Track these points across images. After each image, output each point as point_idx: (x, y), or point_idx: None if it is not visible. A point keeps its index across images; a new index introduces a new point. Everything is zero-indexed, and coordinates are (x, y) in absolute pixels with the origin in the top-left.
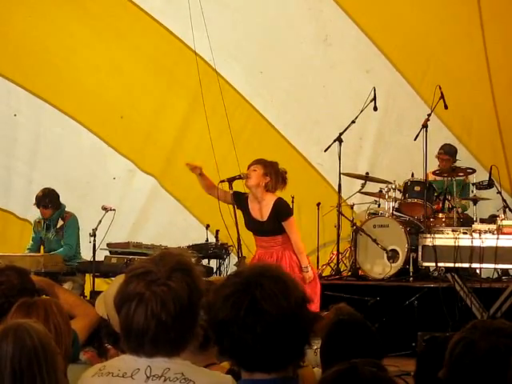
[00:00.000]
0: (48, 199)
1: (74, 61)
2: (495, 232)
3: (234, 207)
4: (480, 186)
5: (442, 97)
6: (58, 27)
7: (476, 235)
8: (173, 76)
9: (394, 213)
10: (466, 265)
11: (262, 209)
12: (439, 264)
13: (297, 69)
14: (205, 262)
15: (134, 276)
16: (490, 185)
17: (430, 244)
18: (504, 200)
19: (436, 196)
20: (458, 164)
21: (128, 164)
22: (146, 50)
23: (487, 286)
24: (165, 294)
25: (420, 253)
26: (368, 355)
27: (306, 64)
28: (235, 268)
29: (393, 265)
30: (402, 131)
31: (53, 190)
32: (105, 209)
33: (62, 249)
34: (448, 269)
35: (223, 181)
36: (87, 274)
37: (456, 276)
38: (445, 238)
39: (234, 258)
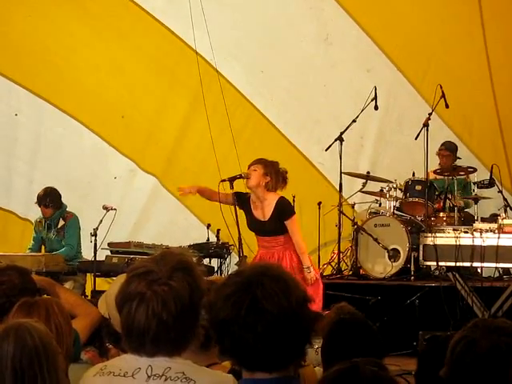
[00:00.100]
0: (49, 198)
1: (75, 60)
2: (496, 231)
3: (235, 207)
4: (481, 184)
5: (443, 96)
6: (58, 27)
7: (477, 234)
8: (174, 75)
9: (395, 212)
10: (467, 264)
11: (264, 208)
12: (440, 263)
13: (297, 68)
14: (206, 261)
15: (135, 275)
16: (490, 184)
17: (431, 243)
18: (505, 199)
19: (437, 195)
20: (458, 163)
21: (129, 163)
22: (147, 49)
23: (488, 285)
24: (166, 293)
25: (421, 252)
26: (369, 354)
27: (307, 63)
28: (236, 267)
29: (394, 264)
30: (403, 130)
31: (54, 190)
32: (106, 208)
33: (63, 249)
34: (449, 268)
35: (224, 180)
36: (88, 274)
37: (457, 275)
38: (446, 237)
39: (235, 258)
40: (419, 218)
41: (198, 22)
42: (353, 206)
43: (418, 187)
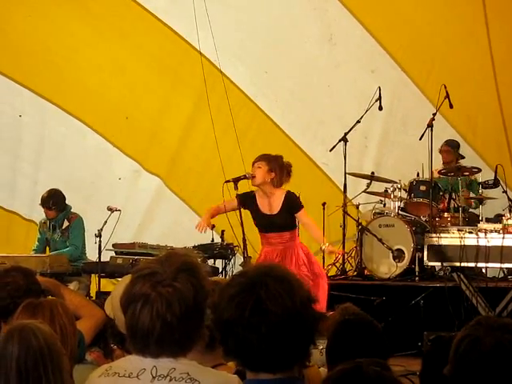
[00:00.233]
0: (52, 201)
1: (77, 60)
2: (501, 231)
3: (239, 209)
4: (486, 185)
5: (447, 96)
6: (59, 26)
7: (482, 234)
8: (177, 76)
9: (400, 212)
10: (472, 264)
11: (272, 203)
12: (445, 263)
13: (301, 68)
14: (210, 262)
15: (139, 277)
16: (495, 184)
17: (436, 243)
18: (510, 199)
19: (441, 194)
20: (463, 162)
21: (133, 164)
22: (150, 49)
23: (493, 285)
24: (170, 294)
25: (426, 252)
26: (374, 355)
27: (311, 64)
28: (241, 268)
29: (398, 264)
30: (408, 131)
31: (58, 192)
32: (110, 209)
33: (67, 249)
34: (454, 268)
35: (228, 181)
36: (93, 275)
37: (462, 275)
38: (450, 238)
39: (239, 258)
40: (424, 219)
41: (201, 22)
42: (357, 207)
43: (423, 187)
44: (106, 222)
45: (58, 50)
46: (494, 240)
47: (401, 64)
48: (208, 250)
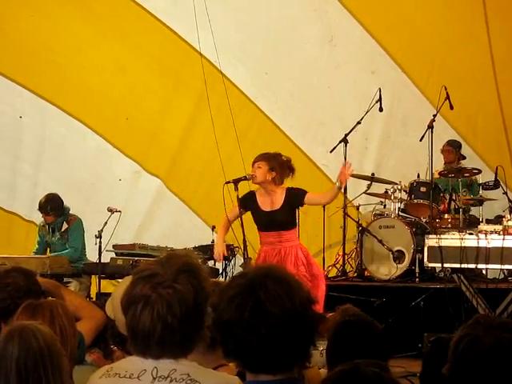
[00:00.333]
0: (50, 206)
1: (78, 61)
2: (501, 233)
3: (238, 204)
4: (486, 186)
5: (448, 97)
6: (61, 27)
7: (482, 236)
8: (178, 77)
9: (400, 214)
10: (472, 265)
11: (273, 200)
12: (445, 265)
13: (302, 69)
14: (211, 263)
15: (140, 278)
16: (495, 185)
17: (436, 245)
18: (510, 200)
19: (442, 195)
20: (464, 163)
21: (133, 165)
22: (151, 50)
23: (493, 286)
24: (170, 296)
25: (426, 254)
26: (374, 356)
27: (311, 65)
28: (241, 269)
29: (399, 266)
30: (408, 132)
31: (56, 197)
32: (110, 210)
33: (67, 251)
34: (454, 269)
35: (228, 182)
36: (93, 276)
37: (462, 277)
38: (451, 239)
39: (239, 259)
40: (424, 220)
41: (202, 23)
42: (357, 208)
43: (423, 189)
44: (106, 222)
45: (60, 50)
46: (495, 241)
47: (401, 65)
48: (208, 251)
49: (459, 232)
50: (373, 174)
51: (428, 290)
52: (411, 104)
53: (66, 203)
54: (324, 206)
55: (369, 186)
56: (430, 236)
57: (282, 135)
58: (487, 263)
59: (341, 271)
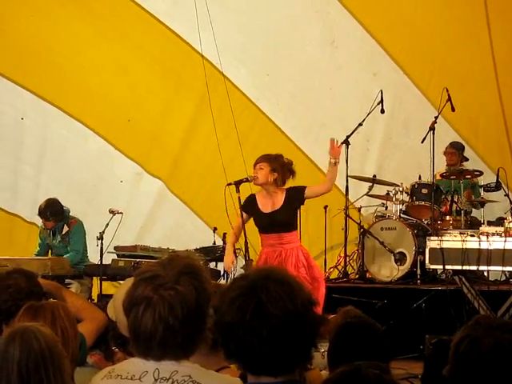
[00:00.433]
0: (49, 212)
1: (79, 62)
2: (503, 234)
3: (240, 210)
4: (487, 188)
5: (449, 99)
6: (61, 27)
7: (483, 238)
8: (179, 78)
9: (402, 215)
10: (474, 267)
11: (275, 202)
12: (447, 266)
13: (303, 71)
14: (212, 265)
15: (142, 280)
16: (497, 187)
17: (438, 246)
18: (511, 202)
19: (443, 197)
20: (466, 165)
21: (135, 167)
22: (152, 52)
23: (495, 288)
24: (172, 297)
25: (427, 255)
26: (375, 358)
27: (313, 66)
28: (242, 271)
29: (400, 267)
30: (409, 134)
31: (55, 202)
32: (112, 212)
33: (68, 254)
34: (455, 271)
35: (230, 184)
36: (94, 277)
37: (463, 278)
38: (452, 241)
39: (241, 261)
40: (425, 222)
41: (203, 25)
42: (359, 210)
43: (425, 190)
44: (107, 224)
45: (60, 50)
46: (496, 243)
47: (402, 67)
48: (210, 252)
49: (461, 234)
50: (374, 176)
51: (429, 292)
52: (413, 106)
53: (67, 205)
54: (326, 208)
55: (370, 188)
56: (432, 238)
57: (283, 137)
58: (489, 265)
59: (342, 273)
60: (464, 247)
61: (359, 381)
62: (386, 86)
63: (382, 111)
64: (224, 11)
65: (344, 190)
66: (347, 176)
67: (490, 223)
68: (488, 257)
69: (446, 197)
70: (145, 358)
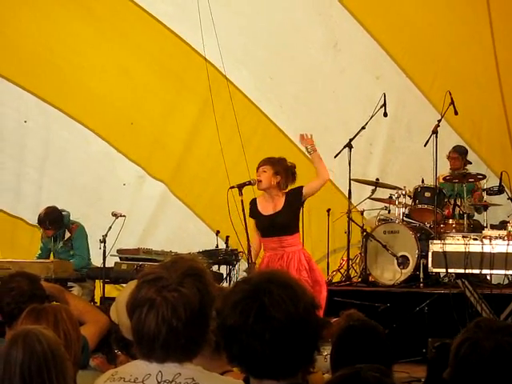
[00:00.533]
0: (49, 221)
1: (81, 64)
2: (506, 238)
3: (243, 214)
4: (490, 191)
5: (452, 103)
6: (63, 29)
7: (486, 241)
8: (182, 81)
9: (404, 219)
10: (477, 271)
11: (276, 204)
12: (449, 270)
13: (306, 74)
14: (215, 268)
15: (145, 282)
16: (500, 191)
17: (441, 250)
18: None
19: (446, 200)
20: (469, 168)
21: (138, 170)
22: (155, 54)
23: (498, 292)
24: (175, 299)
25: (430, 259)
26: (378, 361)
27: (316, 69)
28: (245, 274)
29: (403, 271)
30: (412, 137)
31: (54, 210)
32: (115, 215)
33: (74, 259)
34: (458, 275)
35: (233, 187)
36: (97, 280)
37: (466, 282)
38: (455, 244)
39: (243, 264)
40: (428, 225)
41: (206, 27)
42: (362, 213)
43: (427, 194)
44: (110, 227)
45: (61, 52)
46: (499, 247)
47: (405, 70)
48: (212, 255)
49: (464, 237)
50: (377, 179)
51: (432, 296)
52: (416, 109)
53: (70, 207)
54: (329, 212)
55: (373, 191)
56: (435, 241)
57: (286, 140)
58: (492, 268)
59: (345, 276)
60: (467, 251)
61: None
62: (389, 89)
63: (385, 114)
64: (227, 14)
65: (347, 194)
66: (350, 179)
67: (492, 227)
68: (491, 260)
69: (448, 200)
70: (148, 360)
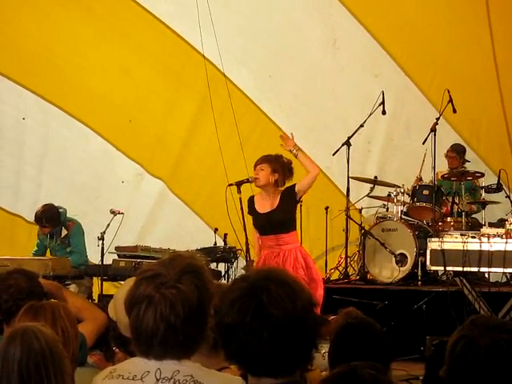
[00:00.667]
0: (45, 218)
1: (80, 63)
2: (504, 236)
3: (241, 211)
4: (488, 189)
5: (451, 101)
6: (62, 28)
7: (484, 239)
8: (181, 79)
9: (403, 217)
10: (475, 269)
11: (273, 202)
12: (447, 268)
13: (305, 72)
14: (213, 265)
15: (143, 278)
16: (498, 188)
17: (439, 248)
18: None
19: (444, 198)
20: (467, 166)
21: (136, 168)
22: (154, 52)
23: (496, 290)
24: (174, 296)
25: (428, 257)
26: (376, 359)
27: (315, 68)
28: (243, 271)
29: (401, 269)
30: (411, 135)
31: (51, 208)
32: (113, 212)
33: (73, 257)
34: (456, 273)
35: (231, 184)
36: (95, 278)
37: (464, 280)
38: (453, 242)
39: (242, 262)
40: (426, 223)
41: (205, 26)
42: (360, 211)
43: (426, 192)
44: (108, 224)
45: (61, 50)
46: (497, 245)
47: (404, 68)
48: (211, 253)
49: (462, 235)
50: (376, 177)
51: (430, 294)
52: (414, 107)
53: (68, 205)
54: (327, 209)
55: (371, 189)
56: (433, 239)
57: None
58: (490, 267)
59: (343, 274)
60: (465, 249)
61: (355, 381)
62: (388, 87)
63: (384, 112)
64: (226, 12)
65: (345, 191)
66: (348, 177)
67: (491, 225)
68: (489, 258)
69: (446, 198)
70: (146, 357)
